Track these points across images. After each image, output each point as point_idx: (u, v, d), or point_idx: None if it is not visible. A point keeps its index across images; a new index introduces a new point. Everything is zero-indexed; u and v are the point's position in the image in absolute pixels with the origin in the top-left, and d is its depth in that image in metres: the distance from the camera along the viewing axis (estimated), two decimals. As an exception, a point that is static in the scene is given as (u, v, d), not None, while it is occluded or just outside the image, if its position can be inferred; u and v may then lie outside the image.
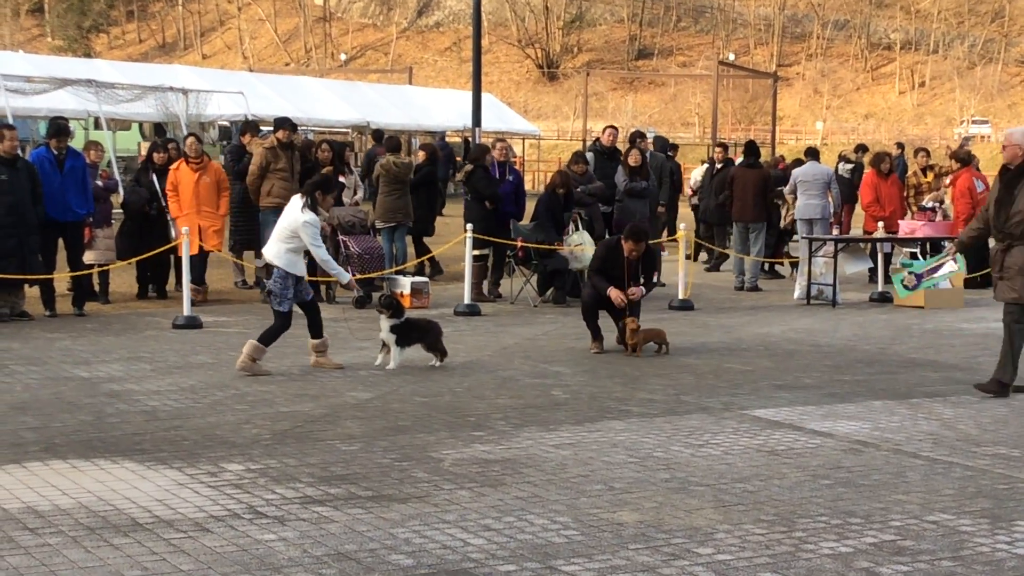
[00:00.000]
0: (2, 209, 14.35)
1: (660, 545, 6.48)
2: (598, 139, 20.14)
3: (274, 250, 11.34)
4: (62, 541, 6.45)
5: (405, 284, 16.57)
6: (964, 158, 18.52)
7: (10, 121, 20.64)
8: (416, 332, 11.96)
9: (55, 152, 15.16)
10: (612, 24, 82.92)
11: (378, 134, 30.53)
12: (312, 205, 11.30)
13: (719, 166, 21.48)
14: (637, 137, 19.34)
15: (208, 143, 36.03)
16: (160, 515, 6.92)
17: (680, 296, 16.75)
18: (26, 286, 14.81)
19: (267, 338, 11.38)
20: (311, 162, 17.28)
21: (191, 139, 16.87)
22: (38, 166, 14.98)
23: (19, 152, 14.96)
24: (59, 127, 15.79)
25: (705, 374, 11.69)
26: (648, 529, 6.75)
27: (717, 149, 21.83)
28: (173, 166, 16.71)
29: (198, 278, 16.16)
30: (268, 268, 10.59)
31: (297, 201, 11.41)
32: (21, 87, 29.44)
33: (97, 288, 16.20)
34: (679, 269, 16.98)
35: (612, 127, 20.25)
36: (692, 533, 6.70)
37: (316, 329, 11.76)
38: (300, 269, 11.41)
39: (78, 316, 15.10)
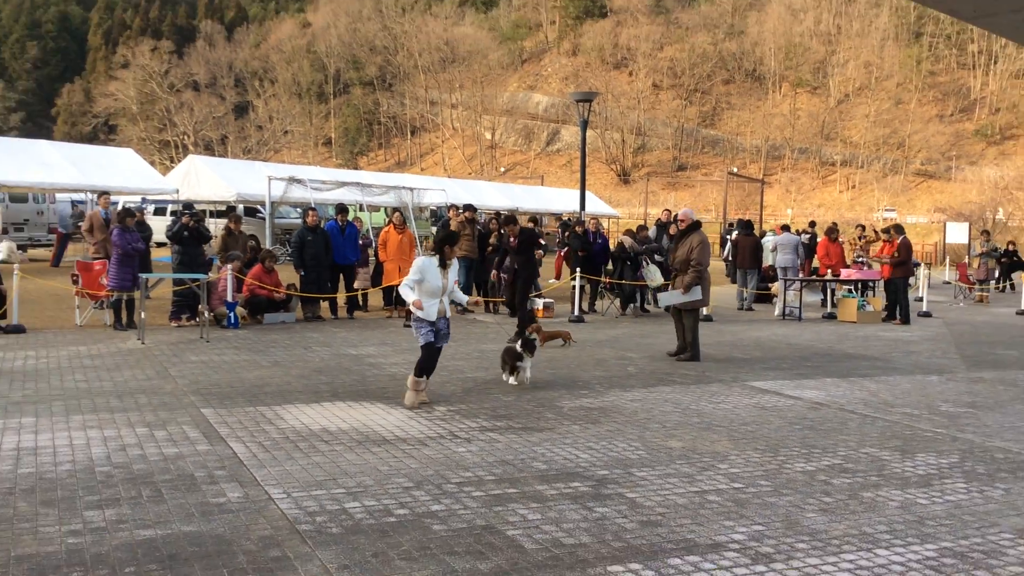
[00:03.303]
0: (310, 258, 14.67)
1: (695, 461, 6.37)
2: (659, 218, 19.90)
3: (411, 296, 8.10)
4: (343, 448, 6.55)
5: (539, 302, 16.55)
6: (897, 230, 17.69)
7: (313, 206, 21.12)
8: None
9: (340, 223, 15.45)
10: (662, 150, 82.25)
11: (507, 217, 30.69)
12: (439, 254, 8.03)
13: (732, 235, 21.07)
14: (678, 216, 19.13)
15: (422, 219, 36.47)
16: (398, 435, 7.00)
17: (704, 313, 16.48)
18: (321, 301, 15.11)
19: (420, 371, 8.16)
20: (484, 230, 17.39)
21: (397, 215, 16.64)
22: (330, 232, 15.27)
23: (319, 223, 15.29)
24: (342, 208, 16.10)
25: (720, 360, 11.50)
26: (687, 452, 6.65)
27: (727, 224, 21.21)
28: (384, 229, 16.33)
29: (401, 299, 16.01)
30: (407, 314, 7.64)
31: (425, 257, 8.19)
32: (319, 187, 30.09)
33: (361, 303, 16.46)
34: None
35: (667, 210, 20.11)
36: (714, 455, 6.58)
37: (419, 367, 8.23)
38: (427, 314, 8.02)
39: (350, 319, 15.35)
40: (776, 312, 17.72)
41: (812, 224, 25.38)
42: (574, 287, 16.33)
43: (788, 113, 76.54)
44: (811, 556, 4.61)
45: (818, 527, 5.05)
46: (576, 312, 15.94)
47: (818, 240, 21.16)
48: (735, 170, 62.99)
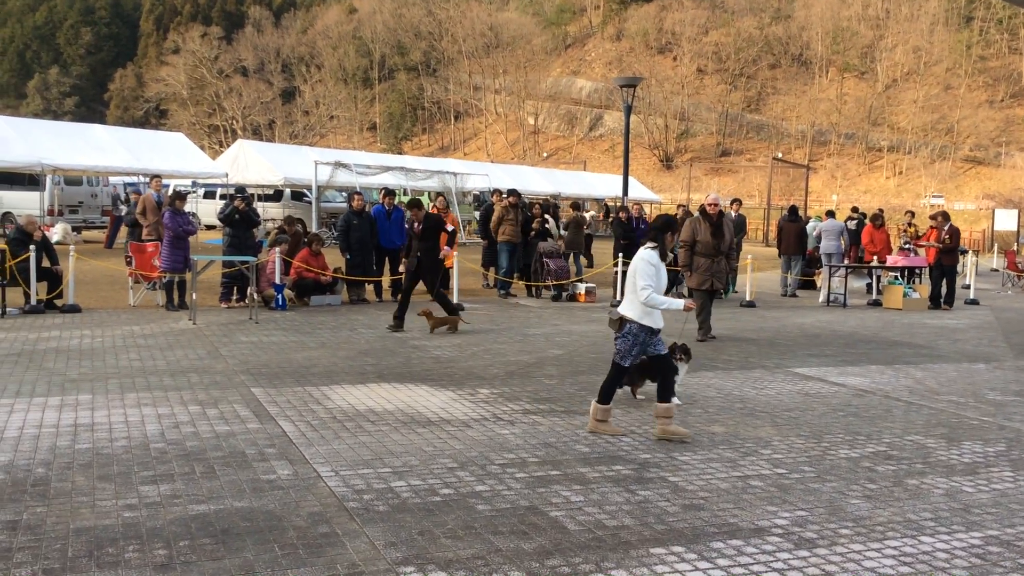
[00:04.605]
0: (355, 241, 14.77)
1: (738, 447, 6.34)
2: (703, 204, 19.70)
3: (628, 304, 6.57)
4: (389, 429, 6.63)
5: (581, 287, 16.52)
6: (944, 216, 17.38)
7: (359, 190, 21.28)
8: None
9: (386, 207, 15.52)
10: (706, 135, 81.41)
11: (546, 204, 30.55)
12: (659, 246, 6.62)
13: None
14: (735, 202, 18.99)
15: (466, 203, 36.52)
16: (443, 416, 7.06)
17: (747, 298, 16.36)
18: (366, 284, 15.22)
19: (605, 395, 6.69)
20: (527, 214, 17.38)
21: (440, 198, 16.71)
22: (376, 215, 15.35)
23: (364, 207, 15.36)
24: (389, 191, 16.16)
25: (763, 345, 11.40)
26: (730, 437, 6.62)
27: (733, 204, 20.42)
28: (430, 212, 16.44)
29: (445, 283, 15.96)
30: (620, 321, 6.53)
31: (643, 250, 6.65)
32: (364, 171, 30.30)
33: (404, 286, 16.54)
34: (747, 282, 16.60)
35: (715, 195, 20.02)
36: (757, 440, 6.54)
37: (665, 391, 6.58)
38: (654, 320, 6.53)
39: (395, 302, 15.42)
40: (820, 299, 17.51)
41: (855, 210, 25.02)
42: (616, 272, 16.28)
43: (835, 98, 75.31)
44: (855, 542, 4.58)
45: (862, 513, 5.01)
46: (618, 297, 15.88)
47: (864, 226, 20.84)
48: (780, 155, 62.10)
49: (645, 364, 7.44)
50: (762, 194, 56.38)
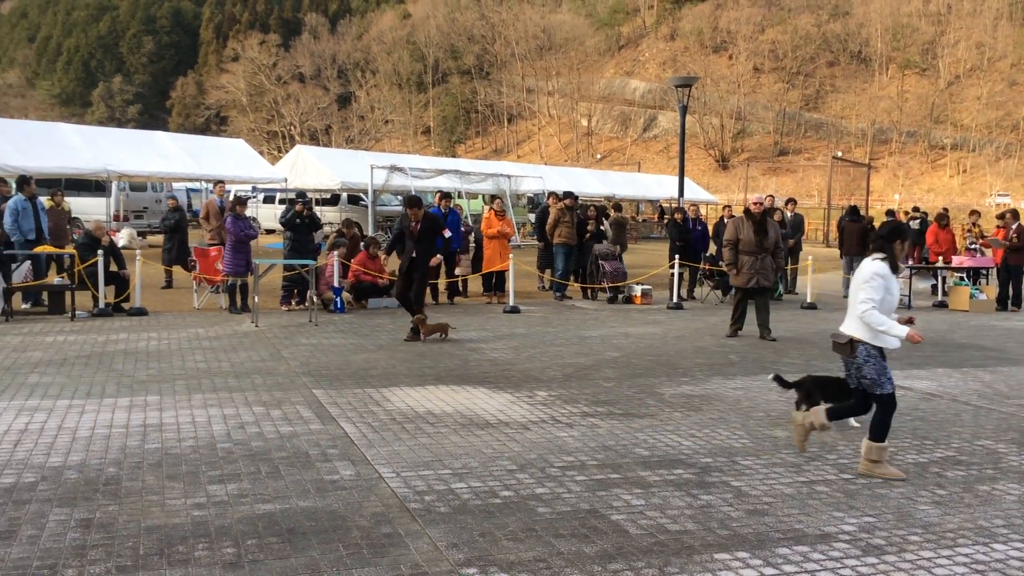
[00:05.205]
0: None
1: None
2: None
3: (854, 325, 5.68)
4: (448, 431, 6.66)
5: (637, 289, 16.42)
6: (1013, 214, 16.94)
7: (413, 193, 21.43)
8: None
9: (442, 210, 15.53)
10: (763, 134, 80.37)
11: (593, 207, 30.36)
12: (888, 256, 5.69)
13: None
14: (789, 202, 18.65)
15: (520, 206, 36.57)
16: (501, 419, 7.08)
17: (808, 300, 16.10)
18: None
19: (878, 432, 5.68)
20: (583, 217, 17.32)
21: (498, 201, 16.74)
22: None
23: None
24: (445, 194, 16.10)
25: (826, 349, 11.19)
26: (793, 442, 6.51)
27: (788, 204, 19.94)
28: (485, 216, 16.49)
29: (500, 285, 15.92)
30: (850, 345, 5.63)
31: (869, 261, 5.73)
32: (419, 174, 30.52)
33: (461, 289, 16.61)
34: (808, 283, 16.35)
35: (770, 195, 19.66)
36: (823, 445, 6.44)
37: (879, 430, 5.67)
38: (886, 340, 5.63)
39: (450, 305, 15.52)
40: (883, 300, 17.15)
41: (916, 209, 24.50)
42: (672, 274, 16.15)
43: (895, 96, 73.82)
44: (924, 549, 4.48)
45: (931, 520, 4.90)
46: (675, 299, 15.76)
47: (928, 226, 20.39)
48: (839, 154, 61.07)
49: (829, 383, 6.84)
50: (821, 194, 55.52)
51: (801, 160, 73.85)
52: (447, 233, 12.28)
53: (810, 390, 6.83)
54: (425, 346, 10.66)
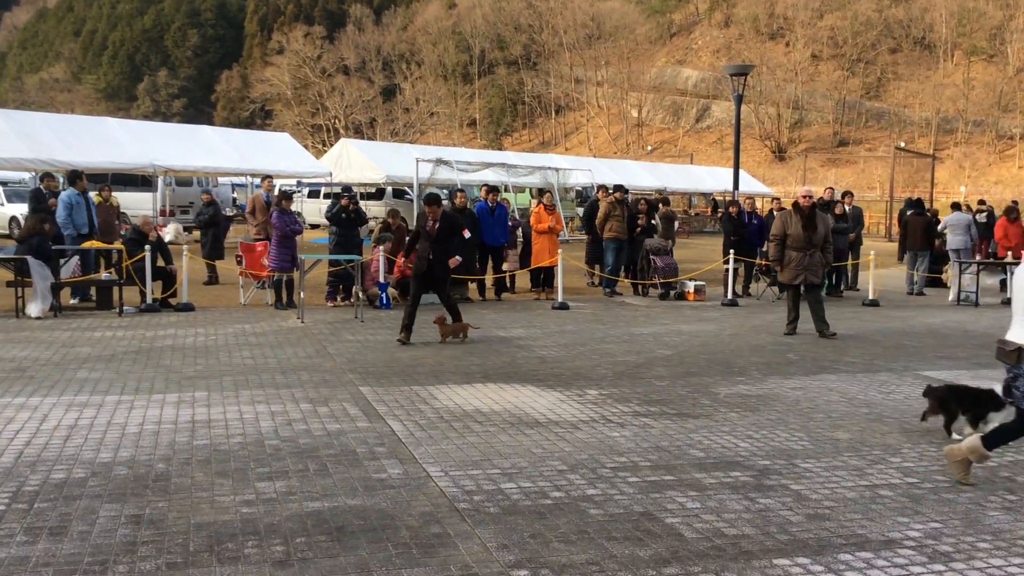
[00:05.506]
0: (459, 240, 14.86)
1: (864, 454, 6.16)
2: (820, 196, 19.01)
3: (1021, 329, 5.21)
4: (496, 429, 6.69)
5: (690, 285, 16.28)
6: None
7: (460, 187, 21.54)
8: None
9: (489, 204, 15.60)
10: (821, 124, 79.16)
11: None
12: None
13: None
14: (847, 195, 18.33)
15: (568, 199, 36.50)
16: (551, 418, 7.08)
17: (870, 297, 15.84)
18: (469, 283, 15.35)
19: (998, 440, 5.42)
20: (634, 211, 17.23)
21: (548, 195, 16.71)
22: (478, 212, 15.46)
23: (467, 204, 15.43)
24: (492, 188, 16.14)
25: (889, 347, 11.01)
26: (855, 444, 6.43)
27: (845, 197, 19.38)
28: (534, 210, 16.50)
29: (549, 281, 15.86)
30: (1018, 353, 5.12)
31: None
32: (465, 168, 30.63)
33: (508, 284, 16.63)
34: (870, 279, 16.09)
35: (830, 188, 19.34)
36: (886, 448, 6.34)
37: (1000, 439, 5.47)
38: None
39: (497, 300, 15.56)
40: (950, 297, 16.82)
41: (981, 202, 23.97)
42: (727, 270, 16.00)
43: (961, 83, 72.18)
44: (994, 556, 4.39)
45: (1002, 526, 4.80)
46: (729, 296, 15.62)
47: (995, 219, 19.95)
48: (902, 145, 59.92)
49: (968, 393, 6.51)
50: (883, 186, 54.55)
51: (862, 151, 72.60)
52: (467, 233, 11.60)
53: (944, 399, 6.47)
54: (472, 343, 10.70)
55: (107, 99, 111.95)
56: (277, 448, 6.07)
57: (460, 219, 12.11)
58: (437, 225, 10.72)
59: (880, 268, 17.11)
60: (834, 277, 17.18)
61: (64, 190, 14.57)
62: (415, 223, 11.68)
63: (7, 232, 25.35)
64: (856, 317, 13.90)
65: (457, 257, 11.23)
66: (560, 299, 14.57)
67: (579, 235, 26.75)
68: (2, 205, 26.62)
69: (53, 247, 13.02)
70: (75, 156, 21.11)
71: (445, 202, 13.01)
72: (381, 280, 14.20)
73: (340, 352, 9.89)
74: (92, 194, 15.33)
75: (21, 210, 22.69)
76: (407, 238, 15.03)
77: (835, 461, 5.98)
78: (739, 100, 21.51)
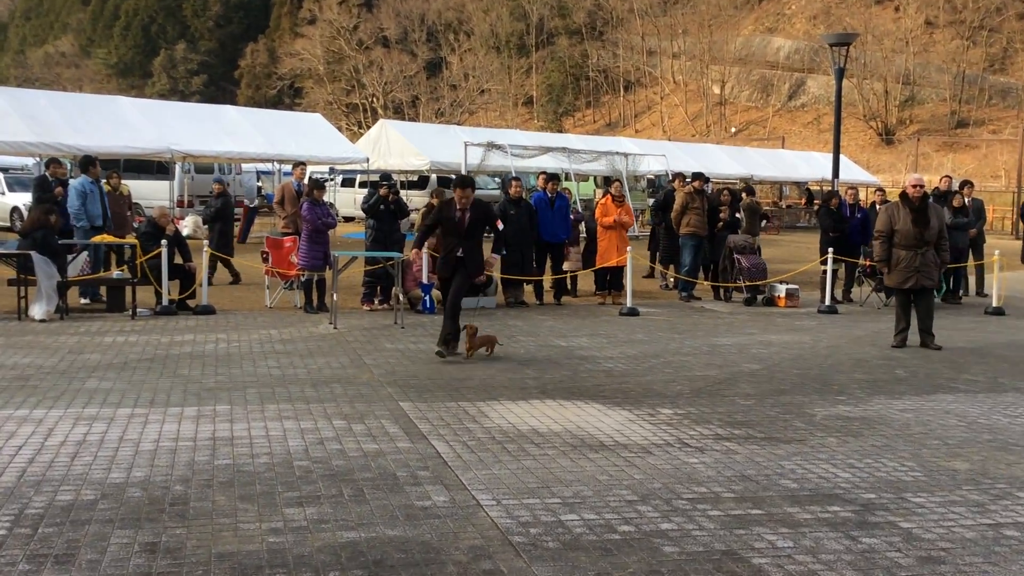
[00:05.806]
0: (512, 234, 14.94)
1: (987, 488, 6.06)
2: (936, 186, 18.63)
3: None
4: (555, 453, 6.70)
5: (781, 289, 16.13)
6: None
7: (515, 175, 21.59)
8: None
9: (548, 194, 15.61)
10: (937, 103, 77.77)
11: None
12: None
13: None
14: (965, 185, 17.98)
15: (638, 190, 36.38)
16: (618, 440, 7.07)
17: (994, 304, 15.55)
18: (525, 284, 15.38)
19: None
20: (715, 203, 17.11)
21: (616, 184, 16.67)
22: (536, 204, 15.47)
23: (522, 194, 15.46)
24: (552, 176, 16.16)
25: (1018, 362, 10.78)
26: (976, 475, 6.33)
27: (964, 188, 18.77)
28: (600, 202, 16.47)
29: (616, 283, 15.86)
30: None
31: None
32: (520, 153, 30.66)
33: (569, 287, 16.63)
34: (994, 283, 15.79)
35: (947, 176, 18.99)
36: (1012, 480, 6.23)
37: None
38: None
39: (557, 305, 15.56)
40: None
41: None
42: (825, 271, 15.82)
43: (1104, 53, 70.44)
44: None
45: None
46: (827, 302, 15.43)
47: None
48: (1032, 126, 58.53)
49: None
50: (1010, 174, 53.39)
51: (984, 133, 71.13)
52: (500, 225, 10.92)
53: None
54: (528, 353, 10.73)
55: (119, 76, 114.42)
56: (307, 470, 6.16)
57: (492, 208, 11.57)
58: (468, 215, 10.07)
59: (1005, 271, 16.76)
60: (951, 280, 16.90)
61: (74, 177, 14.87)
62: (434, 212, 11.05)
63: (8, 224, 26.05)
64: (977, 328, 13.65)
65: (496, 255, 10.82)
66: (629, 304, 14.54)
67: (648, 230, 26.68)
68: (3, 194, 27.33)
69: (60, 241, 13.31)
70: (84, 140, 21.62)
71: (496, 191, 12.99)
72: (424, 281, 14.31)
73: (377, 362, 9.99)
74: (101, 182, 15.66)
75: (24, 200, 23.23)
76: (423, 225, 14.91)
77: (952, 495, 5.89)
78: (840, 74, 21.26)
